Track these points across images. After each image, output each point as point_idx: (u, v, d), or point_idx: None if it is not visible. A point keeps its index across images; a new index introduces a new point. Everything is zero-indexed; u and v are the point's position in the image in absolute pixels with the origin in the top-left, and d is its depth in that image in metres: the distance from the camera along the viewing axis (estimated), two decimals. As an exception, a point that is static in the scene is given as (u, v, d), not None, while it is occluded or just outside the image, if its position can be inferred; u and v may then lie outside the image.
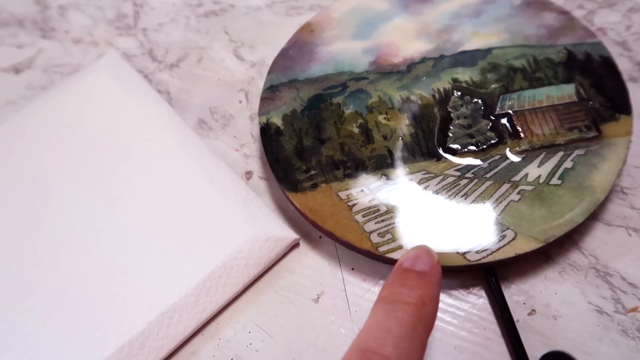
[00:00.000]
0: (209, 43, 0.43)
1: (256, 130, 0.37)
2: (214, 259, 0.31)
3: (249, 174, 0.36)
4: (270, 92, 0.36)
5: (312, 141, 0.33)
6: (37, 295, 0.30)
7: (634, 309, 0.27)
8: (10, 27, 0.46)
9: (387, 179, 0.31)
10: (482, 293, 0.29)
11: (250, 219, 0.32)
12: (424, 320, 0.20)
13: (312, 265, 0.31)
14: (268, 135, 0.34)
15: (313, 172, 0.32)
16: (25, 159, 0.36)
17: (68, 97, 0.39)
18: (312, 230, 0.32)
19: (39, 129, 0.38)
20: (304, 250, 0.32)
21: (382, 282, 0.30)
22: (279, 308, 0.30)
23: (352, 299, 0.30)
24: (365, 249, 0.29)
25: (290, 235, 0.31)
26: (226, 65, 0.41)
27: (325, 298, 0.30)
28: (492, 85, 0.34)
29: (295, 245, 0.32)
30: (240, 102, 0.39)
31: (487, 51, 0.36)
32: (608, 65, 0.33)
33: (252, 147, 0.37)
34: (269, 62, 0.38)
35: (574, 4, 0.39)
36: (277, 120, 0.34)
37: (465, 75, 0.35)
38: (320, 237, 0.32)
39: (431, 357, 0.28)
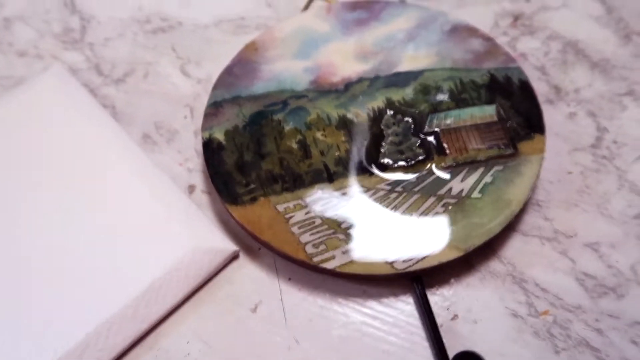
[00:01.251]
0: (156, 59, 0.44)
1: (200, 145, 0.38)
2: (154, 271, 0.31)
3: (191, 188, 0.37)
4: (214, 108, 0.37)
5: (253, 156, 0.35)
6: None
7: (545, 312, 0.30)
8: (-49, 39, 0.45)
9: (323, 192, 0.33)
10: (410, 300, 0.31)
11: (191, 230, 0.33)
12: None
13: (250, 276, 0.32)
14: (210, 149, 0.35)
15: (253, 185, 0.33)
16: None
17: (10, 109, 0.39)
18: (251, 243, 0.34)
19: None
20: (243, 261, 0.33)
21: (316, 291, 0.32)
22: (217, 318, 0.31)
23: (288, 308, 0.31)
24: (301, 259, 0.30)
25: (230, 247, 0.33)
26: (172, 81, 0.42)
27: (262, 307, 0.31)
28: (422, 105, 0.36)
29: (234, 257, 0.33)
30: (185, 117, 0.40)
31: (419, 73, 0.38)
32: (525, 89, 0.36)
33: (196, 161, 0.38)
34: (215, 78, 0.39)
35: (499, 30, 0.42)
36: (219, 135, 0.36)
37: (398, 95, 0.37)
38: (259, 249, 0.33)
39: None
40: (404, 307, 0.31)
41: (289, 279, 0.32)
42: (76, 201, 0.34)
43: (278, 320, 0.31)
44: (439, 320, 0.30)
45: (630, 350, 0.29)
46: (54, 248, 0.32)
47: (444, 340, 0.29)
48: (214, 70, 0.41)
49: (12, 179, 0.36)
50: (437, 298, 0.31)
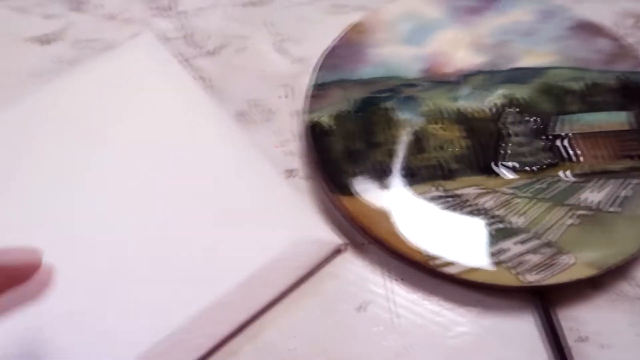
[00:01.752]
0: (250, 33, 0.41)
1: (299, 128, 0.36)
2: (257, 259, 0.29)
3: (289, 172, 0.35)
4: (319, 90, 0.35)
5: (363, 145, 0.32)
6: (68, 288, 0.28)
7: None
8: (39, -4, 0.44)
9: (442, 190, 0.31)
10: (530, 317, 0.29)
11: (295, 220, 0.31)
12: None
13: (357, 272, 0.30)
14: (316, 134, 0.33)
15: (365, 176, 0.31)
16: (49, 139, 0.34)
17: (100, 74, 0.37)
18: (356, 236, 0.32)
19: (65, 107, 0.36)
20: (349, 256, 0.31)
21: (430, 295, 0.30)
22: (322, 314, 0.29)
23: (399, 311, 0.29)
24: (417, 261, 0.28)
25: (336, 239, 0.30)
26: (269, 57, 0.40)
27: (370, 307, 0.29)
28: (547, 105, 0.34)
29: (340, 251, 0.31)
30: (283, 97, 0.38)
31: (542, 70, 0.35)
32: (664, 97, 0.33)
33: (294, 144, 0.36)
34: (314, 59, 0.37)
35: (620, 31, 0.39)
36: (326, 120, 0.33)
37: (519, 92, 0.34)
38: (365, 243, 0.31)
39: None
40: (523, 323, 0.29)
41: (401, 279, 0.30)
42: (169, 180, 0.32)
43: (387, 322, 0.29)
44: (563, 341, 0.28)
45: None
46: (151, 231, 0.30)
47: (571, 364, 0.27)
48: (312, 49, 0.39)
49: (99, 148, 0.34)
50: (562, 317, 0.28)
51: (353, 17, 0.39)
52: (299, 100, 0.37)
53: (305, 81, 0.36)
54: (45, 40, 0.42)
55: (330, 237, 0.31)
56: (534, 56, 0.36)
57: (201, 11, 0.43)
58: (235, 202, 0.31)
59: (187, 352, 0.27)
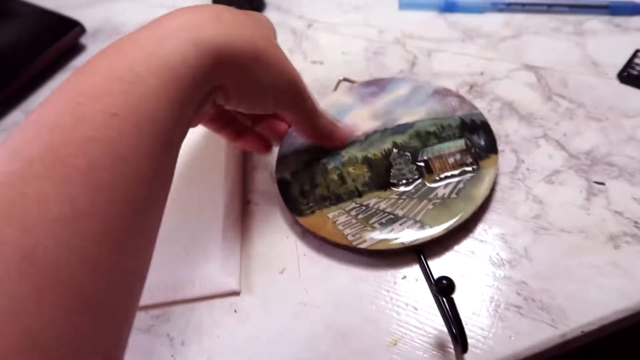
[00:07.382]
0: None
1: (258, 175, 0.58)
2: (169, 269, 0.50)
3: (248, 201, 0.56)
4: (282, 159, 0.57)
5: (310, 186, 0.54)
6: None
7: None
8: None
9: (356, 203, 0.52)
10: (415, 269, 0.49)
11: (214, 255, 0.50)
12: None
13: (279, 251, 0.51)
14: (283, 185, 0.55)
15: (311, 204, 0.53)
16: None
17: None
18: (283, 232, 0.53)
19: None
20: (276, 242, 0.52)
21: (349, 265, 0.50)
22: (259, 275, 0.50)
23: (302, 273, 0.50)
24: (344, 244, 0.49)
25: (234, 286, 0.49)
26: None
27: (286, 272, 0.50)
28: (417, 144, 0.55)
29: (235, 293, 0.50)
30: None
31: (413, 124, 0.57)
32: (485, 126, 0.55)
33: (251, 185, 0.58)
34: None
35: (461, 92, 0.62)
36: (287, 176, 0.56)
37: (400, 139, 0.56)
38: (287, 237, 0.52)
39: (378, 320, 0.47)
40: (407, 271, 0.48)
41: (304, 254, 0.51)
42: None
43: (295, 279, 0.49)
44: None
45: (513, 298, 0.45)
46: None
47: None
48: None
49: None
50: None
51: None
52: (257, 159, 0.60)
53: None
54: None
55: (232, 282, 0.49)
56: (409, 115, 0.58)
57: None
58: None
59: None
